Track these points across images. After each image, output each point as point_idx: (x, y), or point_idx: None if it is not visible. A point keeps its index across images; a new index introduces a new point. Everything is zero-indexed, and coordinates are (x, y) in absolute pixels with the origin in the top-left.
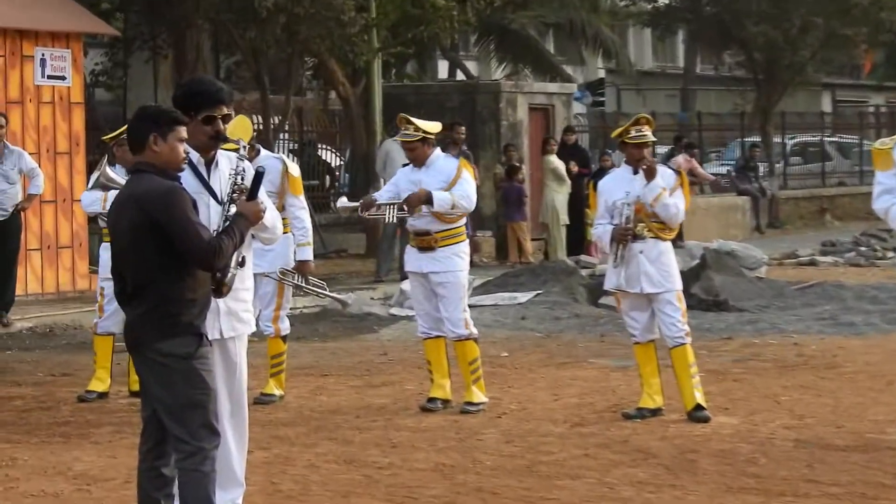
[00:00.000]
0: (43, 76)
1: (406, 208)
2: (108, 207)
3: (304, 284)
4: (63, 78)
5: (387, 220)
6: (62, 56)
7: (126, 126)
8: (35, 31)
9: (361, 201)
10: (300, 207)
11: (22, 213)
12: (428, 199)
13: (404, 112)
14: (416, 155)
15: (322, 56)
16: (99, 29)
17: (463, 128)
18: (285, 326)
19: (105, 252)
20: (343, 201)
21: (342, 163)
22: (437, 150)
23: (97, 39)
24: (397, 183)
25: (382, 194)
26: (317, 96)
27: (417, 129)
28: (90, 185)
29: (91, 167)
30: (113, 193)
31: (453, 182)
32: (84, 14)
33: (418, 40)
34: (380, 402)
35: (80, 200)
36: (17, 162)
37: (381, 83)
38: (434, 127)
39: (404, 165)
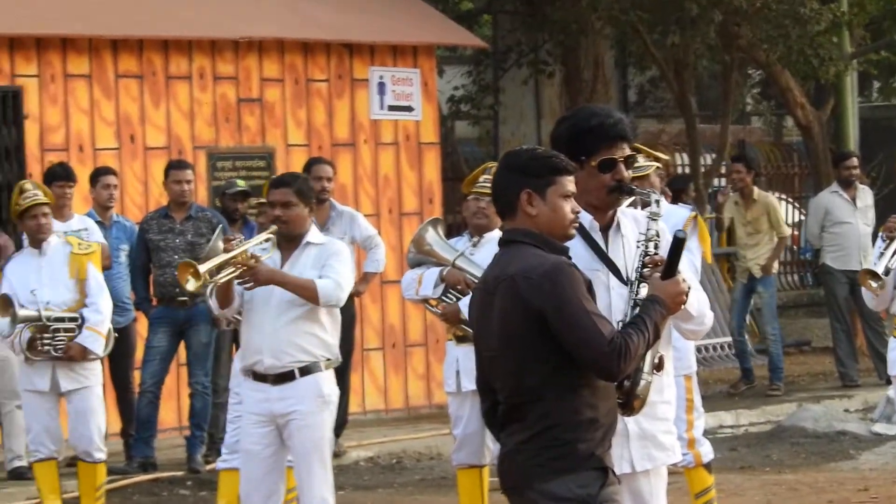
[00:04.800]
0: (382, 107)
1: None
2: (423, 291)
3: None
4: (410, 109)
5: None
6: (408, 78)
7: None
8: (369, 44)
9: None
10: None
11: (356, 300)
12: None
13: (888, 142)
14: None
15: (773, 68)
16: (459, 40)
17: None
18: (706, 450)
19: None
20: None
21: (802, 217)
22: None
23: (456, 54)
24: None
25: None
26: (766, 124)
27: None
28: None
29: (451, 230)
30: (433, 272)
31: None
32: (438, 19)
33: None
34: None
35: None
36: (348, 228)
37: (858, 103)
38: None
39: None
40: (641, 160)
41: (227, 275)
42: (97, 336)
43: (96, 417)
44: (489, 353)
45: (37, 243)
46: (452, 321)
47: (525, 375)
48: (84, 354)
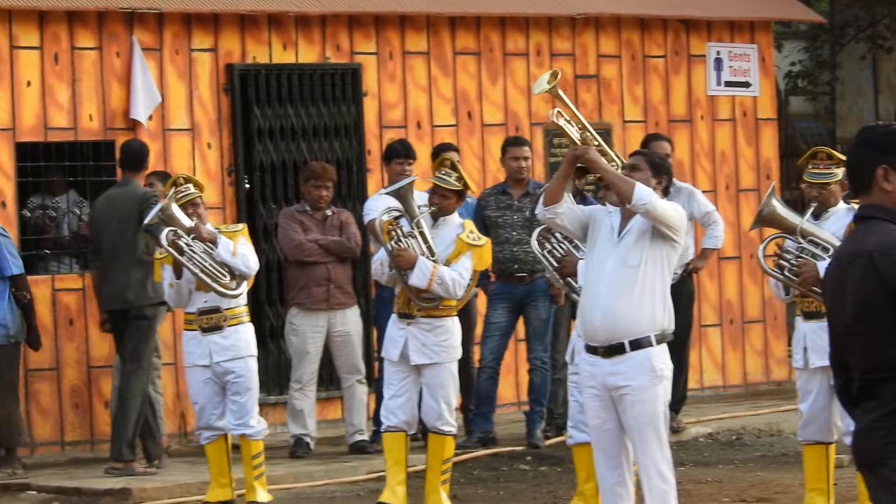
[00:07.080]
0: (719, 83)
1: None
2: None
3: None
4: (747, 85)
5: None
6: (745, 54)
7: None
8: (706, 20)
9: None
10: None
11: (694, 277)
12: None
13: None
14: None
15: None
16: (796, 15)
17: None
18: None
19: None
20: None
21: None
22: None
23: (793, 28)
24: None
25: None
26: None
27: None
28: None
29: (797, 205)
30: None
31: None
32: None
33: None
34: None
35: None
36: (686, 204)
37: None
38: None
39: None
40: None
41: (566, 131)
42: (427, 275)
43: (446, 393)
44: (843, 330)
45: (433, 216)
46: (810, 284)
47: (880, 352)
48: (410, 264)
